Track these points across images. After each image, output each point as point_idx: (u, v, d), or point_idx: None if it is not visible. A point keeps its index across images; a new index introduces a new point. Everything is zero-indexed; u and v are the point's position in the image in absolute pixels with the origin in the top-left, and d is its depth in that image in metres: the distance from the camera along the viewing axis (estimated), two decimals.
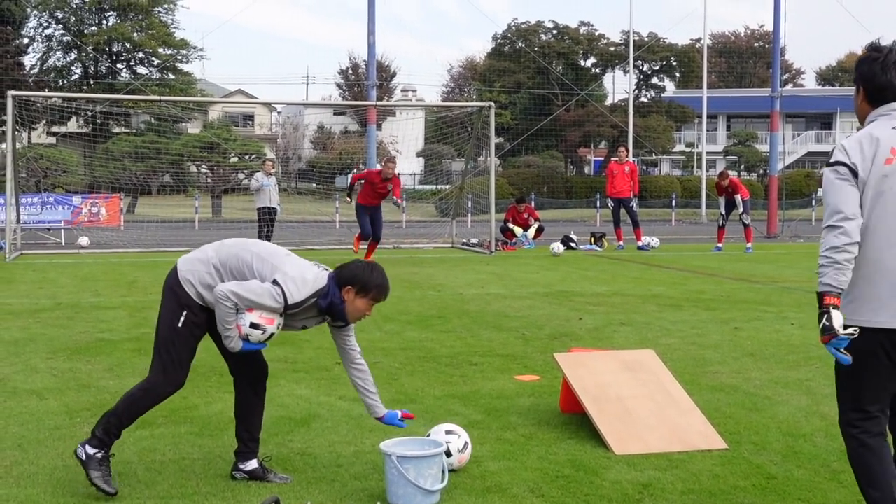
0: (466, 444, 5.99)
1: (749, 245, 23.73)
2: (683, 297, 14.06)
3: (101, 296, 14.21)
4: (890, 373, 4.37)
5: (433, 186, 53.20)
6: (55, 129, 57.80)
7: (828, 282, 4.26)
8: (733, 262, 20.75)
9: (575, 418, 7.03)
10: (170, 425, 6.87)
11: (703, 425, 6.79)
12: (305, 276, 5.48)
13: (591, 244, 25.41)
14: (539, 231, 26.00)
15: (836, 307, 4.24)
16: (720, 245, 24.24)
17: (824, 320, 4.24)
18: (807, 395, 7.90)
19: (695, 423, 6.79)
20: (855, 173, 4.30)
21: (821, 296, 4.30)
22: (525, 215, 26.10)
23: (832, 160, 4.41)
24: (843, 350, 4.24)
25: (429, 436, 5.98)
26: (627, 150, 25.60)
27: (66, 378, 8.43)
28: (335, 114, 71.87)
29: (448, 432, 6.00)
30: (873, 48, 4.56)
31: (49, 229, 28.35)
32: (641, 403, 6.96)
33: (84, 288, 15.22)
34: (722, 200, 23.87)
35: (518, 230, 25.80)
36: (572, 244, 24.88)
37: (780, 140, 36.08)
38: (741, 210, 23.28)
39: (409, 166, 64.90)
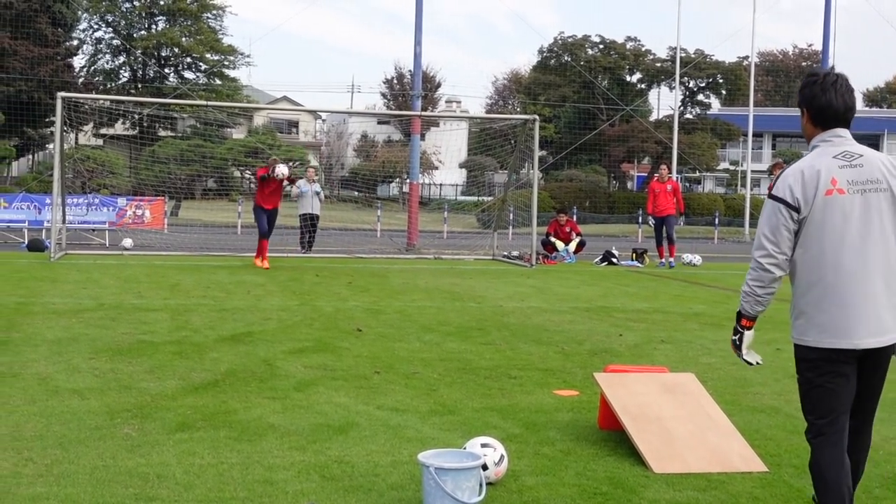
0: (503, 457, 5.97)
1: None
2: (725, 316, 13.94)
3: (143, 297, 14.31)
4: (851, 389, 4.69)
5: (475, 198, 53.19)
6: (102, 131, 58.47)
7: (747, 308, 4.83)
8: None
9: (613, 435, 7.00)
10: (209, 429, 6.89)
11: (743, 447, 6.73)
12: None
13: (632, 260, 25.30)
14: (580, 246, 25.91)
15: (749, 329, 4.90)
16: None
17: (736, 338, 4.95)
18: None
19: (735, 446, 6.74)
20: (796, 209, 4.55)
21: (739, 316, 4.92)
22: (567, 229, 26.03)
23: (776, 194, 4.63)
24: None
25: (465, 448, 5.96)
26: (669, 169, 25.26)
27: (108, 378, 8.49)
28: (379, 123, 72.07)
29: (484, 445, 5.98)
30: (812, 72, 4.79)
31: (94, 230, 28.63)
32: (681, 424, 6.91)
33: (127, 289, 15.33)
34: None
35: (560, 244, 25.71)
36: (613, 260, 24.78)
37: None
38: None
39: (451, 177, 64.99)
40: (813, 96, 4.66)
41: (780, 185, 4.62)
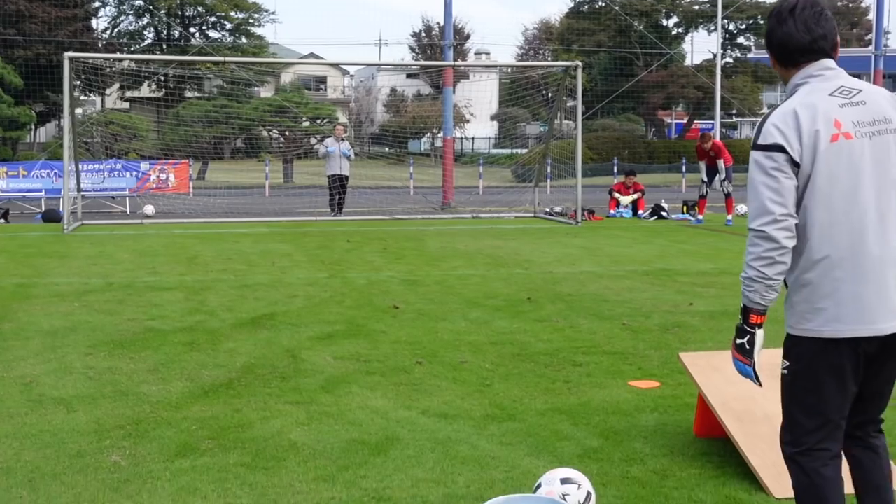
0: (589, 494, 4.60)
1: (730, 217, 21.71)
2: None
3: (157, 274, 13.04)
4: (850, 388, 3.67)
5: (509, 150, 51.79)
6: (129, 94, 57.38)
7: (755, 299, 3.64)
8: None
9: (716, 445, 5.65)
10: (216, 452, 5.59)
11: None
12: None
13: (683, 213, 23.82)
14: (638, 201, 24.55)
15: (760, 326, 3.68)
16: (701, 217, 22.20)
17: (745, 340, 3.72)
18: None
19: None
20: (795, 163, 3.53)
21: (746, 311, 3.70)
22: (631, 190, 24.71)
23: (764, 141, 3.58)
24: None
25: (539, 486, 4.59)
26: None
27: (103, 381, 7.20)
28: (408, 77, 70.74)
29: (565, 481, 4.58)
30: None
31: (113, 197, 27.37)
32: None
33: (141, 264, 14.07)
34: (703, 165, 22.00)
35: (624, 199, 24.40)
36: (663, 213, 23.36)
37: None
38: (723, 177, 21.56)
39: (483, 130, 63.57)
40: (770, 31, 3.74)
41: (769, 131, 3.58)
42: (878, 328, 3.58)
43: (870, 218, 3.57)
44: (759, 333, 3.72)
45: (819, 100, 3.61)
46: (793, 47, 3.71)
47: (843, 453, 3.81)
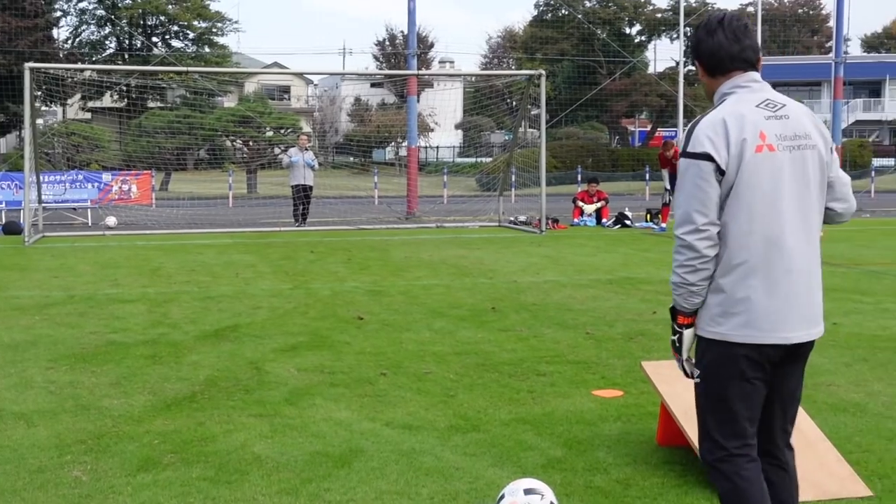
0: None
1: (664, 225, 21.90)
2: None
3: (120, 286, 12.95)
4: (759, 394, 3.78)
5: (473, 159, 51.81)
6: (91, 104, 56.96)
7: (681, 303, 3.78)
8: None
9: (679, 454, 5.67)
10: (179, 466, 5.55)
11: (837, 462, 5.41)
12: None
13: (647, 222, 23.91)
14: (602, 210, 24.66)
15: (688, 326, 3.80)
16: (664, 225, 22.14)
17: (675, 339, 3.85)
18: None
19: (828, 461, 5.41)
20: (720, 170, 3.64)
21: (674, 312, 3.85)
22: (594, 199, 24.81)
23: (693, 150, 3.69)
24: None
25: (503, 497, 4.58)
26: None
27: (64, 396, 7.14)
28: (372, 86, 70.63)
29: (528, 491, 4.58)
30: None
31: (75, 209, 27.15)
32: None
33: (103, 276, 13.97)
34: (666, 174, 22.03)
35: (588, 207, 24.52)
36: (627, 222, 23.45)
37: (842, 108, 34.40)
38: None
39: (447, 139, 63.57)
40: (699, 42, 3.88)
41: (699, 139, 3.67)
42: (786, 336, 3.70)
43: (787, 228, 3.68)
44: (688, 333, 3.82)
45: (747, 110, 3.71)
46: (723, 55, 3.82)
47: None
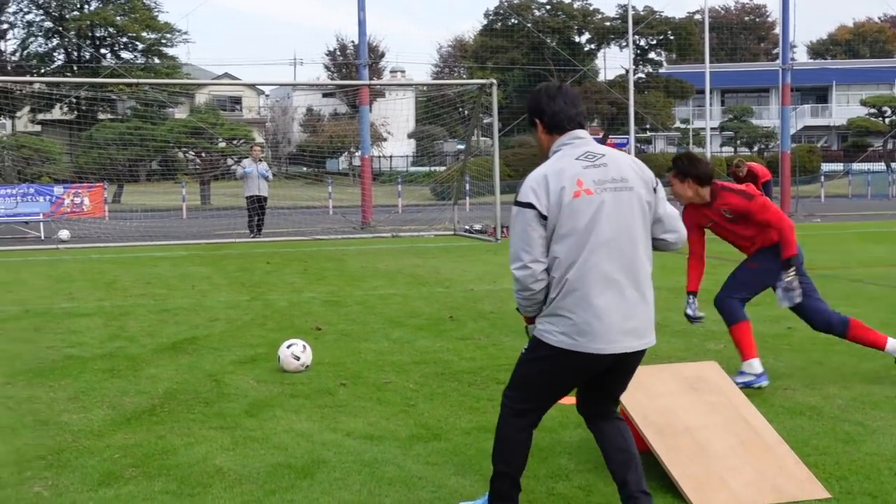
0: (304, 346, 7.93)
1: None
2: (717, 288, 12.73)
3: (75, 300, 12.86)
4: (566, 390, 4.63)
5: (427, 168, 51.87)
6: (40, 116, 56.42)
7: (521, 311, 4.62)
8: None
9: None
10: (141, 479, 5.54)
11: (795, 465, 5.50)
12: None
13: None
14: None
15: (532, 322, 4.57)
16: None
17: (525, 328, 4.75)
18: None
19: (786, 463, 5.50)
20: (544, 216, 4.34)
21: (520, 312, 4.68)
22: None
23: (522, 199, 4.42)
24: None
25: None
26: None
27: (23, 411, 7.10)
28: (324, 96, 70.54)
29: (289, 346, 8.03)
30: (535, 88, 4.76)
31: (27, 223, 26.88)
32: (716, 436, 5.67)
33: (58, 290, 13.87)
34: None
35: None
36: None
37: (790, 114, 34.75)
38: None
39: (400, 148, 63.55)
40: (542, 104, 4.60)
41: (525, 191, 4.43)
42: (599, 347, 4.33)
43: (602, 256, 4.33)
44: (529, 327, 4.63)
45: (567, 164, 4.41)
46: (563, 117, 4.54)
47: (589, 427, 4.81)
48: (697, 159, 7.77)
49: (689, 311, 7.94)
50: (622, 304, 4.36)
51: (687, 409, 5.89)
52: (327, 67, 75.10)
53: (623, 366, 4.54)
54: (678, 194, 7.75)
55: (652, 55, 61.96)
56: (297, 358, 8.22)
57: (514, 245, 4.43)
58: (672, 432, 5.66)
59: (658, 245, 4.61)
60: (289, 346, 8.30)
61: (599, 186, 4.38)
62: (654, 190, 4.53)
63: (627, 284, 4.38)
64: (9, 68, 51.68)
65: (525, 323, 4.70)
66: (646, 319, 4.46)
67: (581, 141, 4.54)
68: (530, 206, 4.35)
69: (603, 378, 4.58)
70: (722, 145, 66.86)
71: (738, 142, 66.02)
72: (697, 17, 58.27)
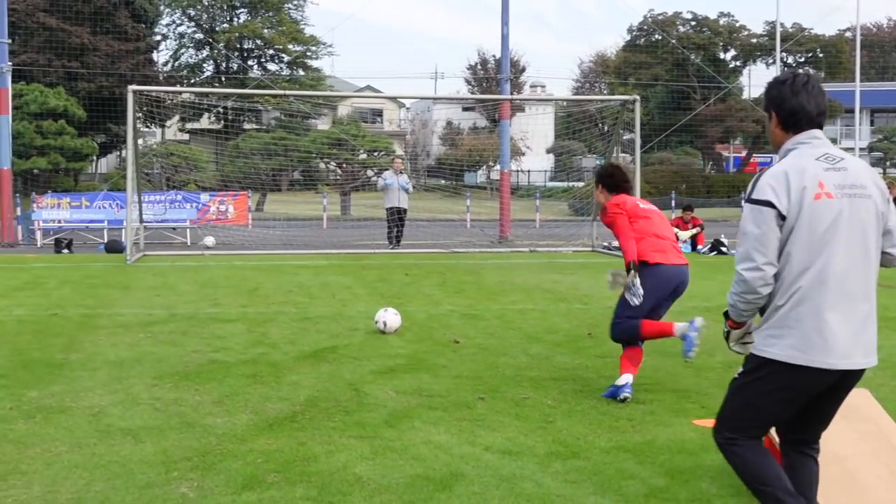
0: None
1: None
2: (888, 315, 12.36)
3: (219, 305, 13.17)
4: (793, 409, 4.34)
5: (565, 184, 51.68)
6: (189, 126, 58.12)
7: (732, 315, 4.43)
8: None
9: None
10: (283, 485, 5.62)
11: None
12: None
13: None
14: (697, 236, 24.44)
15: (736, 329, 4.53)
16: None
17: (724, 333, 4.64)
18: None
19: None
20: (781, 216, 4.12)
21: (727, 316, 4.53)
22: (689, 225, 24.62)
23: (757, 196, 4.17)
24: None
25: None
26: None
27: (169, 413, 7.28)
28: (464, 109, 70.89)
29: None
30: (780, 75, 4.43)
31: (175, 228, 27.70)
32: (867, 465, 5.50)
33: (203, 296, 14.21)
34: None
35: (682, 234, 24.27)
36: (723, 248, 23.21)
37: None
38: None
39: (538, 163, 63.47)
40: (783, 99, 4.30)
41: (762, 188, 4.17)
42: (830, 362, 4.10)
43: (839, 265, 4.11)
44: (734, 333, 4.56)
45: (807, 163, 4.17)
46: (802, 116, 4.27)
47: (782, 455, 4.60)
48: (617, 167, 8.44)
49: None
50: (855, 318, 4.15)
51: (836, 437, 5.70)
52: (468, 81, 75.50)
53: (844, 384, 4.28)
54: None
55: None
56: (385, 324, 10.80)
57: (745, 244, 4.18)
58: (822, 461, 5.50)
59: (883, 259, 4.36)
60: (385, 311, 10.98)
61: (840, 191, 4.15)
62: (887, 201, 4.28)
63: (861, 298, 4.17)
64: (161, 78, 53.28)
65: (727, 327, 4.56)
66: (874, 336, 4.24)
67: (819, 141, 4.29)
68: (769, 204, 4.11)
69: (818, 399, 4.32)
70: (872, 166, 65.04)
71: (888, 163, 64.09)
72: (848, 34, 56.91)
